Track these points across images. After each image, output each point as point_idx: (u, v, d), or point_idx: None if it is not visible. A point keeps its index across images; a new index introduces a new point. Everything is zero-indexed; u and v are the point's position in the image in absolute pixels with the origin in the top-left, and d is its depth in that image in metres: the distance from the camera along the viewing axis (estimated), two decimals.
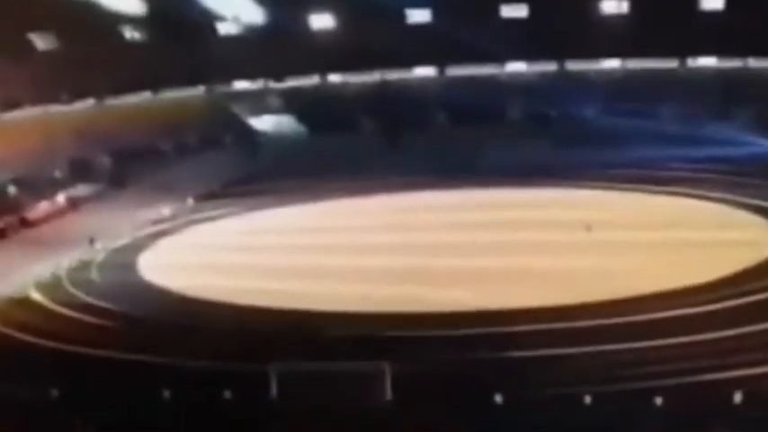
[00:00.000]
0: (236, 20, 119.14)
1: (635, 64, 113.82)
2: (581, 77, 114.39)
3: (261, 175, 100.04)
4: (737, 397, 38.29)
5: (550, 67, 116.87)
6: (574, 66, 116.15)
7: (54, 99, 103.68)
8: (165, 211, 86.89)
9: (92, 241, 75.01)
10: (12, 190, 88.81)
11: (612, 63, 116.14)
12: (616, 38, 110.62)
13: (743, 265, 57.53)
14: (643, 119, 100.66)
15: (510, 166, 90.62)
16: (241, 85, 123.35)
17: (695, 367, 41.97)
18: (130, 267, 69.84)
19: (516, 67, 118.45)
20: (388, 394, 41.41)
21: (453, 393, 40.73)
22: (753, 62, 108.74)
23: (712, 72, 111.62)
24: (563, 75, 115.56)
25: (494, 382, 41.59)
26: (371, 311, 54.19)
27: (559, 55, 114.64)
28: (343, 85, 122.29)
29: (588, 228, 67.95)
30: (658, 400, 38.46)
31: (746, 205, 73.80)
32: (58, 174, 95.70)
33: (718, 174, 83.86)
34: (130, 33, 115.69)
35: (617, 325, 49.13)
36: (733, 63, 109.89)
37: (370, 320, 52.82)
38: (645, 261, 60.66)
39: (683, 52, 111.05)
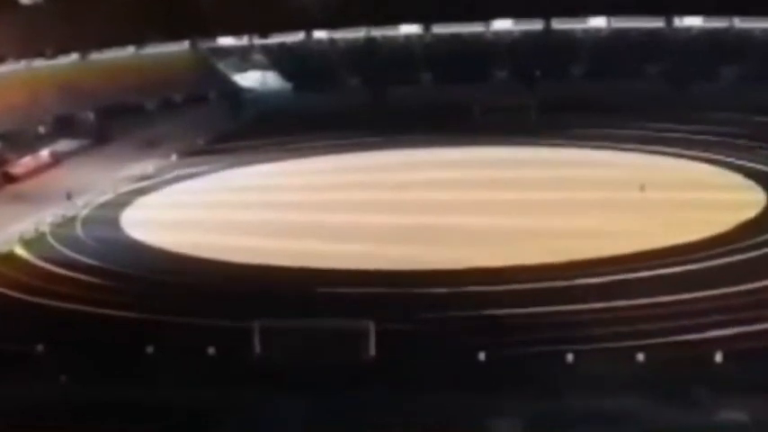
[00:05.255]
0: None
1: (621, 23, 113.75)
2: (567, 36, 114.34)
3: (245, 131, 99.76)
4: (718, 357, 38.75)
5: (536, 25, 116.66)
6: (560, 24, 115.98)
7: (38, 54, 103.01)
8: (149, 167, 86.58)
9: (69, 196, 74.66)
10: None
11: (599, 22, 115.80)
12: None
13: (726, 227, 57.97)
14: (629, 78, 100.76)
15: (494, 125, 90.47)
16: (226, 40, 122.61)
17: (676, 326, 42.42)
18: (114, 223, 69.72)
19: (502, 25, 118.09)
20: (372, 351, 41.73)
21: (437, 351, 40.99)
22: (738, 22, 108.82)
23: (698, 31, 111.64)
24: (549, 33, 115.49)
25: (477, 339, 41.87)
26: (359, 269, 54.40)
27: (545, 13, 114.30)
28: (329, 42, 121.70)
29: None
30: (640, 358, 38.95)
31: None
32: (41, 129, 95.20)
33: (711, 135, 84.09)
34: None
35: (600, 284, 49.40)
36: (719, 23, 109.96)
37: (358, 278, 53.00)
38: (643, 221, 60.83)
39: (670, 11, 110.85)
